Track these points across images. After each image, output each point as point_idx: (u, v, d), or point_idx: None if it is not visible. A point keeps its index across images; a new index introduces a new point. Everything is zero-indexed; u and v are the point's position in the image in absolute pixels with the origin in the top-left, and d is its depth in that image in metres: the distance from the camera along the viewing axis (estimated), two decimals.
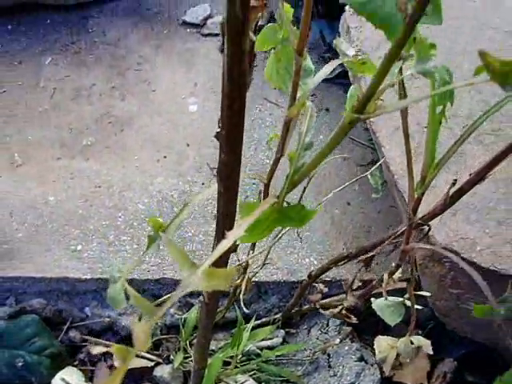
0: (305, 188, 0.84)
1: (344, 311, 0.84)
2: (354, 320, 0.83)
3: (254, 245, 0.93)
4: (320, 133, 1.33)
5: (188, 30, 1.54)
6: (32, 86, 1.44)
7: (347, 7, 1.25)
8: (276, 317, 1.10)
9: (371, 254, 0.71)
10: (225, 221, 0.59)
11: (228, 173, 0.52)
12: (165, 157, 1.27)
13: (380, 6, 0.44)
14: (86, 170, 1.26)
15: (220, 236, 0.64)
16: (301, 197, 0.83)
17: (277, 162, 0.66)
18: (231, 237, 0.49)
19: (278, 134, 0.65)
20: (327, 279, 1.10)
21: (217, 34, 1.51)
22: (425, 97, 0.56)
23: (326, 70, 0.58)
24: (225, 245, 0.50)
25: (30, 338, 1.10)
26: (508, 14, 1.17)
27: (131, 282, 1.11)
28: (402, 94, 0.51)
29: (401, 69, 0.55)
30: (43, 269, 1.12)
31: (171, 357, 1.08)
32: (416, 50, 0.47)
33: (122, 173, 1.25)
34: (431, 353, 0.86)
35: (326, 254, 1.12)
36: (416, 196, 0.62)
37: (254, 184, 1.21)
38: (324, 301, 1.05)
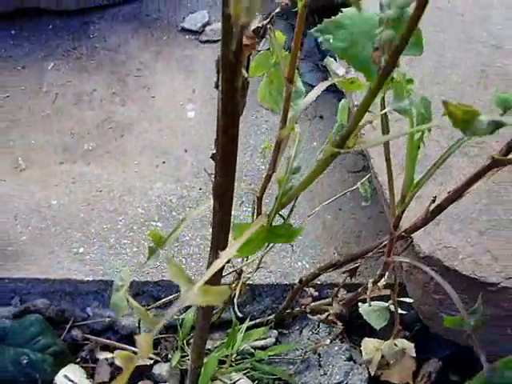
0: (297, 197, 0.89)
1: (330, 317, 0.89)
2: (339, 326, 0.89)
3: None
4: (314, 139, 1.38)
5: (187, 37, 1.59)
6: (35, 91, 1.48)
7: None
8: (269, 318, 1.15)
9: (355, 265, 0.76)
10: (220, 233, 0.65)
11: (223, 192, 0.57)
12: (163, 162, 1.32)
13: (360, 51, 0.49)
14: (88, 174, 1.31)
15: (215, 248, 0.69)
16: (293, 205, 0.88)
17: (269, 178, 0.71)
18: (224, 256, 0.54)
19: (272, 144, 0.70)
20: (318, 282, 1.15)
21: (215, 41, 1.55)
22: (403, 134, 0.61)
23: (316, 91, 0.63)
24: (218, 263, 0.56)
25: (35, 336, 1.15)
26: (495, 28, 1.21)
27: (131, 283, 1.16)
28: (385, 129, 0.56)
29: (383, 101, 0.60)
30: (47, 270, 1.17)
31: (169, 355, 1.14)
32: (393, 87, 0.52)
33: (123, 177, 1.30)
34: (414, 355, 0.92)
35: (317, 258, 1.17)
36: (397, 213, 0.67)
37: (248, 194, 1.26)
38: (315, 303, 1.10)
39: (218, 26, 1.56)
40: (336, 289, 0.88)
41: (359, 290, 0.83)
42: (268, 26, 0.62)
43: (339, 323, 0.90)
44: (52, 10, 1.64)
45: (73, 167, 1.32)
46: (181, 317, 1.17)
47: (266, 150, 1.25)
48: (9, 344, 1.15)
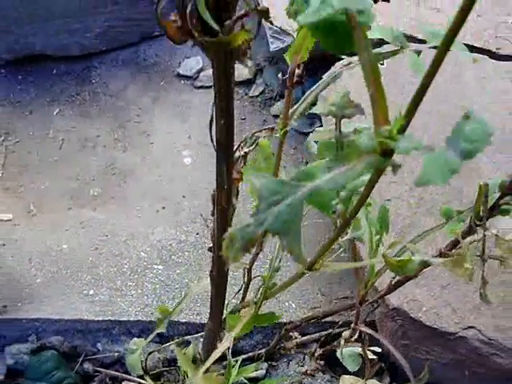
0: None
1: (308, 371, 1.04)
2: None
3: (243, 298, 1.12)
4: None
5: (182, 82, 1.71)
6: (42, 137, 1.61)
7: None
8: (260, 352, 1.30)
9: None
10: (217, 305, 0.79)
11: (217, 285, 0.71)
12: (163, 208, 1.46)
13: (325, 199, 0.62)
14: (94, 219, 1.44)
15: (214, 317, 0.83)
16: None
17: (256, 256, 0.85)
18: (221, 348, 0.70)
19: None
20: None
21: (208, 87, 1.68)
22: (365, 263, 0.75)
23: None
24: (217, 353, 0.71)
25: (50, 371, 1.29)
26: (466, 87, 1.34)
27: (137, 322, 1.31)
28: (353, 255, 0.70)
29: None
30: (60, 311, 1.31)
31: None
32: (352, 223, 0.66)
33: (126, 222, 1.43)
34: None
35: (302, 298, 1.32)
36: (362, 293, 0.81)
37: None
38: (301, 339, 1.26)
39: (211, 72, 1.68)
40: (314, 347, 1.03)
41: (335, 342, 0.97)
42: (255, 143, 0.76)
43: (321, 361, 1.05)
44: (56, 55, 1.76)
45: (80, 212, 1.46)
46: (182, 351, 1.32)
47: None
48: (27, 378, 1.30)
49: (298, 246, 0.41)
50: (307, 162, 1.55)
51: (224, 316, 0.82)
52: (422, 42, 1.67)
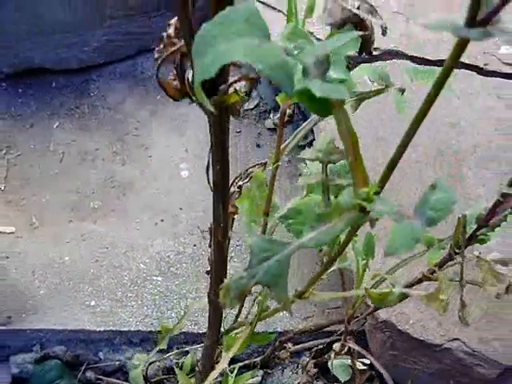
0: None
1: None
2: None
3: (237, 317, 1.17)
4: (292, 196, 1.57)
5: None
6: (43, 150, 1.66)
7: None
8: (256, 360, 1.35)
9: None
10: (214, 324, 0.84)
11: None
12: (162, 220, 1.51)
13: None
14: (95, 231, 1.49)
15: (211, 336, 0.88)
16: None
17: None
18: (218, 369, 0.75)
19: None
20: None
21: None
22: (351, 293, 0.80)
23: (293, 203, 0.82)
24: (214, 374, 0.76)
25: (54, 379, 1.34)
26: (452, 106, 1.39)
27: (138, 332, 1.36)
28: (341, 283, 0.75)
29: None
30: (63, 322, 1.36)
31: None
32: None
33: (126, 235, 1.48)
34: None
35: (296, 308, 1.37)
36: (348, 315, 0.86)
37: (237, 246, 1.45)
38: (295, 347, 1.31)
39: None
40: (306, 362, 1.08)
41: (326, 356, 1.03)
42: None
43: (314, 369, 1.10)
44: (55, 68, 1.80)
45: (81, 225, 1.50)
46: (180, 360, 1.37)
47: None
48: None
49: (285, 295, 0.46)
50: (300, 174, 1.60)
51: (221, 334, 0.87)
52: (413, 57, 1.72)
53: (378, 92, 0.67)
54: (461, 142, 1.32)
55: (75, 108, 1.74)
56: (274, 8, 1.65)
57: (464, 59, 1.59)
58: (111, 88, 1.78)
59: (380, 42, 1.54)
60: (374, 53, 1.52)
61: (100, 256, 1.45)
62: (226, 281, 0.46)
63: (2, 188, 1.58)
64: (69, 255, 1.45)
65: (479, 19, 0.32)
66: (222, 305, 0.47)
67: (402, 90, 0.66)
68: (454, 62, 0.32)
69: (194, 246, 1.46)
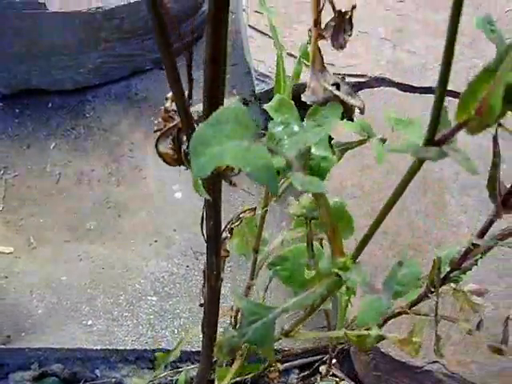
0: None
1: None
2: None
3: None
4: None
5: None
6: (40, 171, 1.70)
7: None
8: (246, 377, 1.41)
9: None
10: (207, 353, 0.90)
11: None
12: (156, 241, 1.56)
13: (298, 277, 0.73)
14: (91, 252, 1.54)
15: (204, 362, 0.94)
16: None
17: (249, 286, 0.96)
18: None
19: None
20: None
21: (196, 121, 1.77)
22: (333, 333, 0.85)
23: (280, 239, 0.88)
24: None
25: None
26: None
27: (133, 350, 1.41)
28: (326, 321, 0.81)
29: None
30: (61, 341, 1.41)
31: None
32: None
33: (121, 256, 1.53)
34: None
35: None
36: (333, 343, 0.92)
37: (228, 267, 1.50)
38: (285, 365, 1.37)
39: (199, 107, 1.78)
40: (296, 374, 1.14)
41: (312, 378, 1.09)
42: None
43: None
44: (51, 89, 1.84)
45: (78, 246, 1.56)
46: (174, 378, 1.43)
47: None
48: None
49: (271, 352, 0.52)
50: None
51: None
52: (399, 84, 1.79)
53: (360, 142, 0.72)
54: (443, 170, 1.39)
55: (71, 129, 1.79)
56: (266, 34, 1.71)
57: (449, 87, 1.65)
58: (106, 109, 1.84)
59: (367, 69, 1.60)
60: (361, 80, 1.58)
61: (96, 276, 1.50)
62: (219, 338, 0.52)
63: (1, 208, 1.63)
64: (66, 275, 1.50)
65: (436, 139, 0.39)
66: (216, 358, 0.52)
67: (384, 140, 0.72)
68: (411, 176, 0.38)
69: (187, 266, 1.51)
